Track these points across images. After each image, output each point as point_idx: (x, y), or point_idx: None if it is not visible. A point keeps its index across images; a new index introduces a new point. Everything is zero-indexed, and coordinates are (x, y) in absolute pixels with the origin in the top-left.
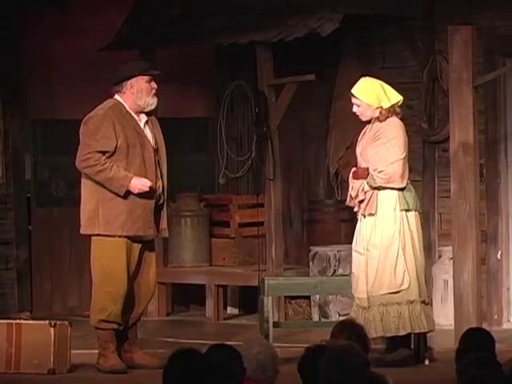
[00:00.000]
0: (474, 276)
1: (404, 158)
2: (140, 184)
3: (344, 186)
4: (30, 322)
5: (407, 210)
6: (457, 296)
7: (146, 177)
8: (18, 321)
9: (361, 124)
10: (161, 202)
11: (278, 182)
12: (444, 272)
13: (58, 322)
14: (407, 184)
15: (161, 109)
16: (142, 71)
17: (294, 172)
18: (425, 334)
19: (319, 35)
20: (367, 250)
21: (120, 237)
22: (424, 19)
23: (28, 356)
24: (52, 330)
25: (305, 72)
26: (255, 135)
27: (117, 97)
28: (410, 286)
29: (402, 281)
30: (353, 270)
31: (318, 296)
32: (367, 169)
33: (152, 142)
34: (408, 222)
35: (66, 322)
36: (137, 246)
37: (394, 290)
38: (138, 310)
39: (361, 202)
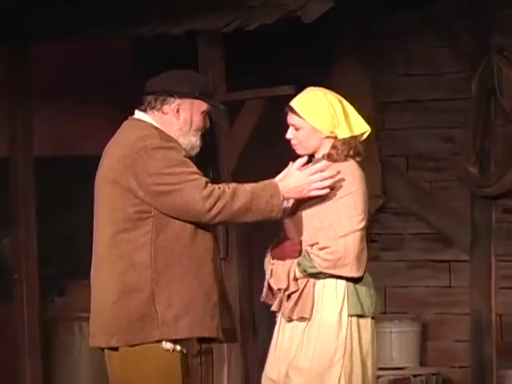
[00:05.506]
0: None
1: (363, 228)
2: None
3: None
4: None
5: (360, 316)
6: None
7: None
8: None
9: None
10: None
11: (233, 261)
12: None
13: None
14: (365, 273)
15: (44, 144)
16: (204, 94)
17: (257, 246)
18: None
19: (301, 22)
20: (287, 375)
21: (175, 342)
22: None
23: None
24: None
25: (278, 82)
26: None
27: (144, 117)
28: None
29: None
30: None
31: None
32: (300, 242)
33: None
34: (359, 335)
35: None
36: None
37: None
38: None
39: (288, 296)
